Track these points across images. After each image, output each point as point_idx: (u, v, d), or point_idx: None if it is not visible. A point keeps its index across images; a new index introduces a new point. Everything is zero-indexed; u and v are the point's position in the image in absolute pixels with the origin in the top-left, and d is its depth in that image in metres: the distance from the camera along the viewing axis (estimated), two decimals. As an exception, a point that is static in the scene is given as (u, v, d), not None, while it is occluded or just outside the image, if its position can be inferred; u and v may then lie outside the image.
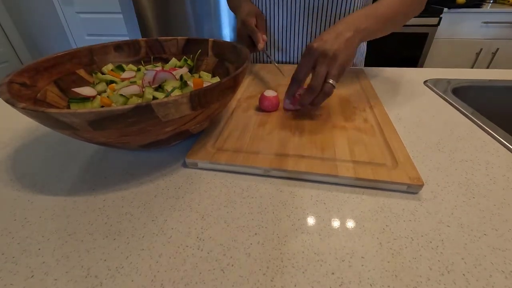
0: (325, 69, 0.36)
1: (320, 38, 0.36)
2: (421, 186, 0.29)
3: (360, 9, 0.42)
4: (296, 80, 0.38)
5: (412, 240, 0.24)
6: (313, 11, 0.60)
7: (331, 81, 0.36)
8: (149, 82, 0.36)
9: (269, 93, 0.44)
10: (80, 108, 0.34)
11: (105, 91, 0.38)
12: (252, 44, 0.57)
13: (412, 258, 0.23)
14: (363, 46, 0.74)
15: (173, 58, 0.46)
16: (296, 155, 0.33)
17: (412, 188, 0.29)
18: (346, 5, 0.58)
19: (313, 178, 0.31)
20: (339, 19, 0.59)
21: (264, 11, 0.64)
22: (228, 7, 0.74)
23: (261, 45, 0.54)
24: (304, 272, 0.22)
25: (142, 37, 0.70)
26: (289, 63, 0.71)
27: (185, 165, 0.34)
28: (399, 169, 0.30)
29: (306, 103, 0.38)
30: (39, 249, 0.24)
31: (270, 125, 0.40)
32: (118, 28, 1.92)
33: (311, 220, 0.26)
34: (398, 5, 0.44)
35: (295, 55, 0.69)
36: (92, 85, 0.40)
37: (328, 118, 0.42)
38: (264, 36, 0.55)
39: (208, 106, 0.29)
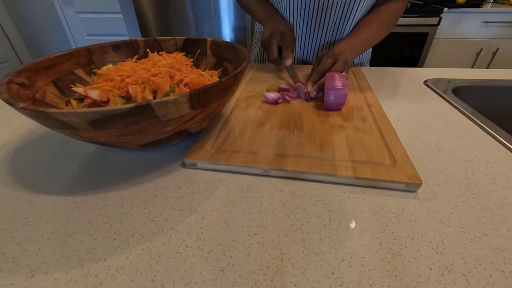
0: (340, 69, 0.50)
1: (341, 49, 0.52)
2: (419, 184, 0.29)
3: (355, 38, 0.57)
4: (322, 72, 0.50)
5: (412, 240, 0.24)
6: (323, 14, 0.60)
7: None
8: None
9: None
10: (80, 107, 0.33)
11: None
12: (279, 55, 0.57)
13: (412, 258, 0.23)
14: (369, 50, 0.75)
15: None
16: (295, 155, 0.33)
17: (411, 187, 0.29)
18: (353, 5, 0.58)
19: (313, 177, 0.31)
20: (347, 19, 0.60)
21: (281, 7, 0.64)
22: (245, 11, 0.72)
23: (289, 62, 0.55)
24: (304, 272, 0.22)
25: (142, 37, 0.70)
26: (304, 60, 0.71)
27: (184, 165, 0.34)
28: (398, 168, 0.30)
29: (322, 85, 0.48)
30: (39, 249, 0.24)
31: (269, 125, 0.40)
32: (118, 28, 1.92)
33: (311, 220, 0.26)
34: (375, 36, 0.60)
35: (305, 54, 0.69)
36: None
37: (327, 118, 0.42)
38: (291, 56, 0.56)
39: (207, 105, 0.29)
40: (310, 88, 0.49)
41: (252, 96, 0.50)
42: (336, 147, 0.35)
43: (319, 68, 0.50)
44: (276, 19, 0.60)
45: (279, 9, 0.64)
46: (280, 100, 0.47)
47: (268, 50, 0.57)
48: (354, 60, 0.71)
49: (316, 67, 0.53)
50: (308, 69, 0.61)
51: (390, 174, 0.30)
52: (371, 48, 0.75)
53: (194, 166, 0.34)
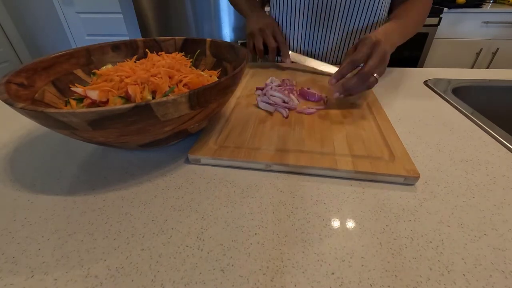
0: (377, 65, 0.40)
1: (379, 37, 0.41)
2: (417, 178, 0.29)
3: (392, 25, 0.48)
4: (353, 63, 0.41)
5: (412, 240, 0.24)
6: (329, 14, 0.59)
7: (376, 75, 0.40)
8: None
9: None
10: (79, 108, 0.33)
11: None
12: (264, 50, 0.56)
13: (412, 258, 0.23)
14: None
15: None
16: (296, 150, 0.34)
17: (409, 180, 0.30)
18: (361, 7, 0.57)
19: (313, 172, 0.31)
20: (354, 20, 0.59)
21: (280, 13, 0.64)
22: (230, 3, 0.72)
23: (289, 60, 0.53)
24: (304, 272, 0.22)
25: (142, 37, 0.70)
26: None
27: (184, 164, 0.34)
28: (396, 162, 0.31)
29: (350, 88, 0.41)
30: (39, 249, 0.24)
31: (271, 122, 0.40)
32: (118, 28, 1.92)
33: (311, 220, 0.26)
34: (417, 23, 0.53)
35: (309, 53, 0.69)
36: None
37: (327, 115, 0.42)
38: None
39: (206, 105, 0.29)
40: (334, 81, 0.42)
41: (253, 94, 0.50)
42: (336, 142, 0.35)
43: (352, 57, 0.41)
44: (261, 14, 0.59)
45: (284, 10, 0.63)
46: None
47: (257, 44, 0.55)
48: None
49: (350, 55, 0.44)
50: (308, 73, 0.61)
51: (389, 168, 0.30)
52: None
53: (197, 162, 0.34)
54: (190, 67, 0.42)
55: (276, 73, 0.61)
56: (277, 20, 0.66)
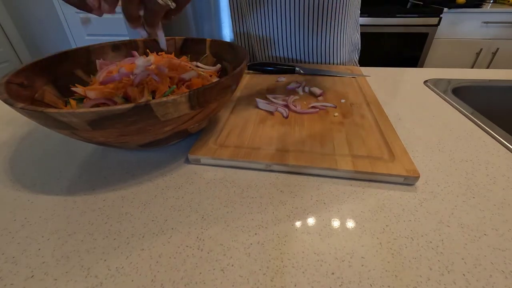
0: None
1: None
2: (417, 178, 0.29)
3: None
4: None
5: (412, 240, 0.24)
6: (315, 9, 0.60)
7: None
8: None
9: None
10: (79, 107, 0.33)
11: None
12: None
13: (412, 258, 0.23)
14: (358, 43, 0.74)
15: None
16: (296, 150, 0.34)
17: (409, 180, 0.30)
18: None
19: (313, 172, 0.32)
20: (341, 14, 0.59)
21: (266, 8, 0.64)
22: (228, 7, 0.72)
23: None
24: (304, 272, 0.22)
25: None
26: (292, 60, 0.70)
27: (184, 164, 0.34)
28: (396, 162, 0.31)
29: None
30: (39, 249, 0.24)
31: (270, 122, 0.40)
32: (118, 28, 1.93)
33: (311, 220, 0.26)
34: None
35: (297, 51, 0.69)
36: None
37: (326, 115, 0.42)
38: None
39: (206, 105, 0.29)
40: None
41: (253, 94, 0.50)
42: (336, 142, 0.35)
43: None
44: None
45: (275, 10, 0.63)
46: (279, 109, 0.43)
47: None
48: (342, 59, 0.70)
49: None
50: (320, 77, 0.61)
51: (389, 167, 0.30)
52: (360, 43, 0.75)
53: (197, 162, 0.34)
54: (189, 67, 0.42)
55: (274, 76, 0.61)
56: (266, 24, 0.65)
